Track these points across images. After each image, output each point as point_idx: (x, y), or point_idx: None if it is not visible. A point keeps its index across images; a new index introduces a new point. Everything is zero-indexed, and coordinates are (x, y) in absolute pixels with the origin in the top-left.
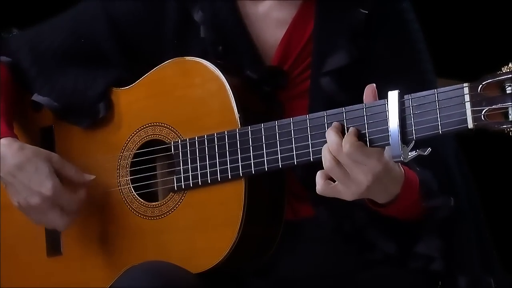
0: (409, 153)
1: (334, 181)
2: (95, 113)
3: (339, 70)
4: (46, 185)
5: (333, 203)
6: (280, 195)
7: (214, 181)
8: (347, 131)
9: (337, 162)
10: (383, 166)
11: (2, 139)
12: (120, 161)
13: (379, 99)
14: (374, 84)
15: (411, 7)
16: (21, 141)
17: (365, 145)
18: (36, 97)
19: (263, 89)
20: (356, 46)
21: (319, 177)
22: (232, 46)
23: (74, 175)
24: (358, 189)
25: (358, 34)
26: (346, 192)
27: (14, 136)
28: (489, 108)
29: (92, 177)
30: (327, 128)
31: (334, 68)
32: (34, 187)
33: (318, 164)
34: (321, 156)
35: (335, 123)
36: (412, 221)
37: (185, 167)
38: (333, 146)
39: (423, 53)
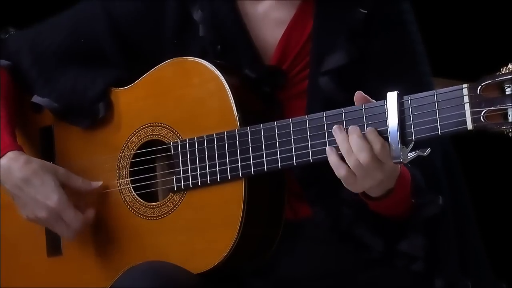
0: (408, 153)
1: None
2: (94, 113)
3: (338, 69)
4: (52, 197)
5: (329, 203)
6: (280, 195)
7: (214, 182)
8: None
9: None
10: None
11: (8, 153)
12: (120, 161)
13: (377, 99)
14: (361, 91)
15: (411, 9)
16: (21, 141)
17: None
18: (35, 99)
19: (262, 89)
20: (355, 46)
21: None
22: (231, 45)
23: (81, 184)
24: (373, 183)
25: (357, 34)
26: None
27: (19, 148)
28: (488, 109)
29: (100, 183)
30: (326, 129)
31: (333, 67)
32: (40, 199)
33: (317, 164)
34: (320, 157)
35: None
36: (399, 218)
37: (184, 167)
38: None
39: (420, 55)
